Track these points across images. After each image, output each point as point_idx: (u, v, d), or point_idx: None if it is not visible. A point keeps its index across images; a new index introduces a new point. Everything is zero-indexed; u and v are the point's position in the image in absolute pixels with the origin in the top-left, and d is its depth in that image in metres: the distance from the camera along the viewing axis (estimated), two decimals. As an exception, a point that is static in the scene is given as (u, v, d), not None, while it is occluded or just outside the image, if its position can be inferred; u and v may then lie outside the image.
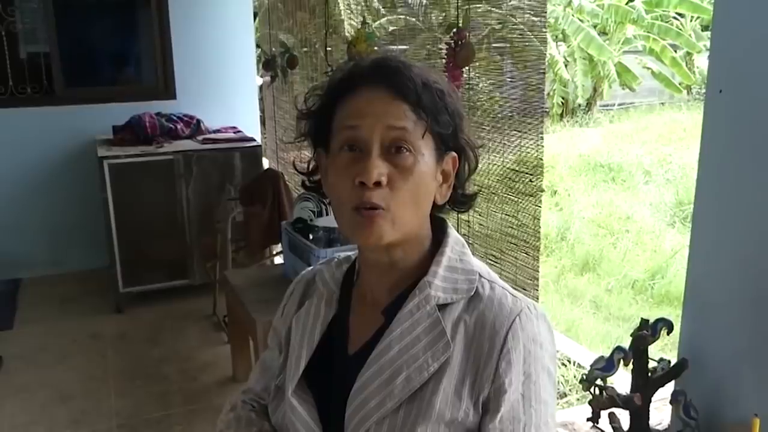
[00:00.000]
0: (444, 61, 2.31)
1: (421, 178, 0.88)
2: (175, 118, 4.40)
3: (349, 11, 3.53)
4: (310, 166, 1.00)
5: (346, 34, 3.52)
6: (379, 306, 0.96)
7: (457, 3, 2.36)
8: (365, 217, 0.87)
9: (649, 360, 1.84)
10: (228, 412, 1.08)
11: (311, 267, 1.13)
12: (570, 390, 2.95)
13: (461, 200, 0.99)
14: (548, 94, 10.85)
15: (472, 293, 0.92)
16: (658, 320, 1.87)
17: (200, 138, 4.31)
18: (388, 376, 0.89)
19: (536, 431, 0.87)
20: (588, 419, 1.96)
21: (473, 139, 0.97)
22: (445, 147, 0.92)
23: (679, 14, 12.07)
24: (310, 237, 2.75)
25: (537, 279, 2.26)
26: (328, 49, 3.57)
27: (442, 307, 0.91)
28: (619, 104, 12.76)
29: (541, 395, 0.88)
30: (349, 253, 1.07)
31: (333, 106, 0.91)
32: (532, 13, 2.18)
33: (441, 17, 2.67)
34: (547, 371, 0.90)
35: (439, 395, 0.87)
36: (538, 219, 2.21)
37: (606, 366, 1.88)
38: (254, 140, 4.38)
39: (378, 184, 0.86)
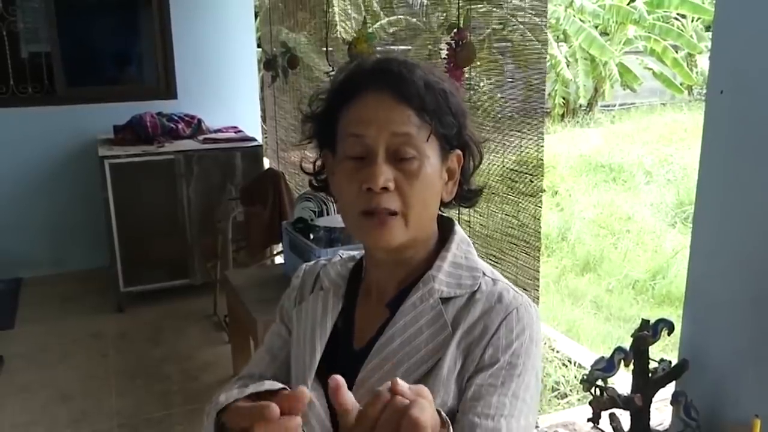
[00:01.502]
0: (445, 61, 2.30)
1: (428, 180, 0.89)
2: (176, 117, 4.41)
3: (344, 13, 3.53)
4: (317, 166, 1.01)
5: (338, 35, 3.52)
6: (384, 301, 0.97)
7: (458, 3, 2.36)
8: (375, 220, 0.88)
9: (650, 360, 1.85)
10: (234, 382, 1.01)
11: (314, 261, 1.12)
12: (571, 390, 2.95)
13: (466, 196, 1.00)
14: (549, 94, 10.84)
15: (475, 289, 0.93)
16: (658, 321, 1.87)
17: (201, 138, 4.32)
18: (390, 368, 0.89)
19: (506, 423, 0.83)
20: (589, 420, 1.96)
21: (476, 135, 0.97)
22: (450, 146, 0.93)
23: (681, 15, 12.06)
24: (311, 237, 2.75)
25: (538, 279, 2.26)
26: (330, 49, 3.57)
27: (445, 300, 0.92)
28: (620, 104, 12.74)
29: (521, 392, 0.86)
30: (353, 253, 1.07)
31: (337, 110, 0.92)
32: (533, 13, 2.18)
33: (442, 17, 2.66)
34: (536, 374, 0.88)
35: (434, 384, 0.87)
36: (539, 219, 2.22)
37: (607, 366, 1.88)
38: (255, 140, 4.39)
39: (385, 189, 0.86)
